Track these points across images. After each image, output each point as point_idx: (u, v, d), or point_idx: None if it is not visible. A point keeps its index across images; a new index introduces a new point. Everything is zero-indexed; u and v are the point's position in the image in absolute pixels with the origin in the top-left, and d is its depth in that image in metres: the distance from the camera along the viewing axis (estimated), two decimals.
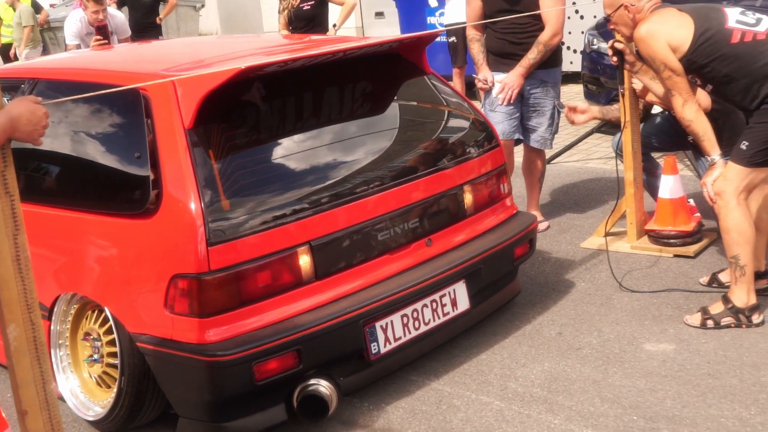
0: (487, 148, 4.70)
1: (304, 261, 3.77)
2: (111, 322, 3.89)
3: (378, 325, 3.95)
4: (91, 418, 4.09)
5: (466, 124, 4.80)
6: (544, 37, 5.84)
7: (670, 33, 4.39)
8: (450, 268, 4.23)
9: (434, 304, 4.19)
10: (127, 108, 3.99)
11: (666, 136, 5.67)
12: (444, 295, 4.24)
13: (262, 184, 3.84)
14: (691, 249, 5.49)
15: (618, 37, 5.03)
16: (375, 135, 4.37)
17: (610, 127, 7.42)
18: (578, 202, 6.86)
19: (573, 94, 10.86)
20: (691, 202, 5.73)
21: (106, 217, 3.89)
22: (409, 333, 4.09)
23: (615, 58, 5.04)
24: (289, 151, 4.01)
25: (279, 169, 3.95)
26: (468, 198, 4.49)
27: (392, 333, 4.01)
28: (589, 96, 8.99)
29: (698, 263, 5.36)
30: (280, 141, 4.05)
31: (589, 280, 5.29)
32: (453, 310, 4.28)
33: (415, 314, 4.11)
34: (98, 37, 8.10)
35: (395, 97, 4.66)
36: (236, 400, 3.67)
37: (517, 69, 5.87)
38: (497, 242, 4.51)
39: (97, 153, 4.11)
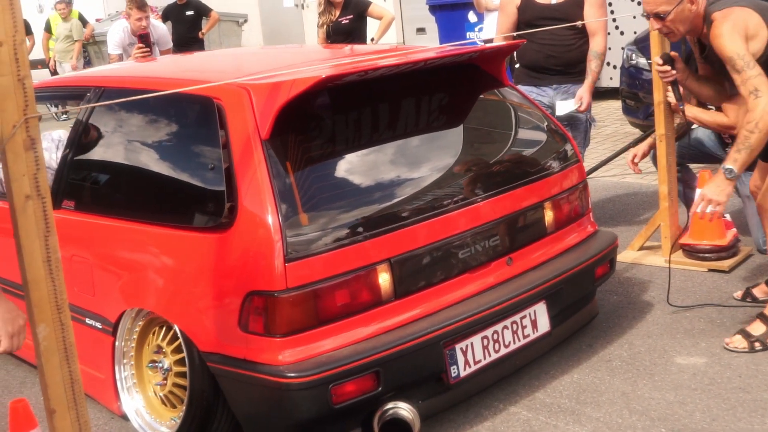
0: (568, 163, 4.50)
1: (384, 279, 3.60)
2: (180, 339, 3.73)
3: (458, 347, 3.76)
4: None
5: (546, 138, 4.61)
6: (599, 47, 5.84)
7: (749, 28, 4.15)
8: (531, 288, 4.04)
9: (515, 326, 4.00)
10: (200, 117, 3.85)
11: (702, 147, 5.63)
12: (524, 316, 4.04)
13: (341, 198, 3.67)
14: (726, 263, 5.44)
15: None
16: (454, 148, 4.20)
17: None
18: (614, 217, 6.79)
19: (612, 110, 10.84)
20: (727, 216, 5.66)
21: (177, 230, 3.74)
22: (489, 356, 3.90)
23: (667, 67, 4.76)
24: (368, 163, 3.84)
25: (357, 182, 3.78)
26: (549, 215, 4.29)
27: (472, 355, 3.82)
28: (628, 111, 8.98)
29: (732, 278, 5.31)
30: (357, 153, 3.88)
31: (622, 293, 5.24)
32: (533, 332, 4.08)
33: (495, 336, 3.92)
34: (140, 45, 8.07)
35: (474, 109, 4.48)
36: (312, 425, 3.49)
37: (587, 82, 5.86)
38: (578, 262, 4.32)
39: (168, 164, 3.97)
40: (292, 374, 3.35)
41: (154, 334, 3.99)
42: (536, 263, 4.21)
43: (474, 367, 3.83)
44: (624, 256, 5.74)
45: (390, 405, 3.60)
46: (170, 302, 3.76)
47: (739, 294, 4.94)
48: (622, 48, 9.59)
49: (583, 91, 5.83)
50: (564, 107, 5.85)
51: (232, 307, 3.48)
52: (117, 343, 4.08)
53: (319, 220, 3.53)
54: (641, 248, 5.87)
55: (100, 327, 4.15)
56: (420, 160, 3.97)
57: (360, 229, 3.58)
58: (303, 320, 3.43)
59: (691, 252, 5.57)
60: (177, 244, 3.74)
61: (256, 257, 3.43)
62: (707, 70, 4.68)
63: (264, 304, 3.40)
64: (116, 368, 4.10)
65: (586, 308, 4.61)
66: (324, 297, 3.46)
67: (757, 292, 4.85)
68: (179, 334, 3.73)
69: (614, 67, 11.05)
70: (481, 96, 4.53)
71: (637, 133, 8.69)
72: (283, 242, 3.38)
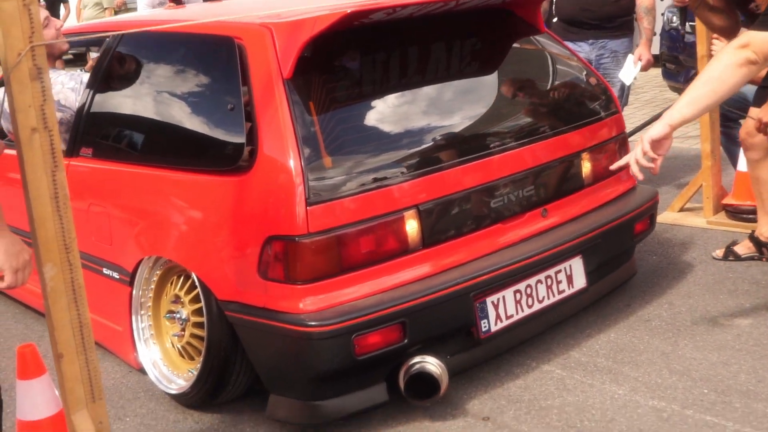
0: (608, 113, 4.28)
1: (411, 227, 3.41)
2: (198, 288, 3.57)
3: (489, 300, 3.57)
4: (173, 391, 3.79)
5: (585, 87, 4.39)
6: (647, 2, 5.77)
7: None
8: (567, 241, 3.84)
9: (549, 281, 3.80)
10: (220, 57, 3.66)
11: (746, 101, 5.30)
12: (560, 270, 3.84)
13: (367, 141, 3.48)
14: None
15: None
16: (487, 94, 3.99)
17: None
18: (652, 180, 6.39)
19: (651, 77, 10.51)
20: None
21: (194, 174, 3.57)
22: (522, 311, 3.70)
23: None
24: (395, 106, 3.64)
25: (385, 125, 3.59)
26: (587, 166, 4.08)
27: (504, 310, 3.63)
28: (668, 76, 8.73)
29: None
30: (385, 95, 3.68)
31: (661, 254, 5.06)
32: (569, 288, 3.87)
33: (528, 290, 3.72)
34: (171, 3, 7.93)
35: (509, 55, 4.27)
36: (333, 377, 3.32)
37: (642, 40, 5.80)
38: (617, 216, 4.10)
39: (185, 105, 3.79)
40: (314, 323, 3.18)
41: (172, 283, 3.83)
42: (573, 216, 4.00)
43: (505, 322, 3.64)
44: (663, 218, 5.52)
45: (417, 359, 3.42)
46: (187, 249, 3.60)
47: None
48: (663, 14, 9.31)
49: (641, 49, 5.71)
50: (628, 73, 5.68)
51: (251, 253, 3.32)
52: (134, 293, 3.93)
53: (343, 164, 3.35)
54: (681, 209, 5.69)
55: (118, 277, 4.01)
56: (451, 105, 3.77)
57: (386, 174, 3.40)
58: (325, 267, 3.25)
59: (735, 213, 5.38)
60: (194, 189, 3.57)
61: (276, 201, 3.25)
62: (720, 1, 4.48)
63: (284, 249, 3.23)
64: (133, 319, 3.95)
65: (624, 266, 4.39)
66: (348, 243, 3.28)
67: None
68: (197, 283, 3.57)
69: (654, 33, 10.73)
70: (517, 41, 4.31)
71: (676, 98, 8.41)
72: (305, 185, 3.20)
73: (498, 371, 3.80)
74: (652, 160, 3.17)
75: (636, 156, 3.18)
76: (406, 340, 3.31)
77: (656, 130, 3.15)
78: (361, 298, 3.28)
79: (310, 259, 3.22)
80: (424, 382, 3.40)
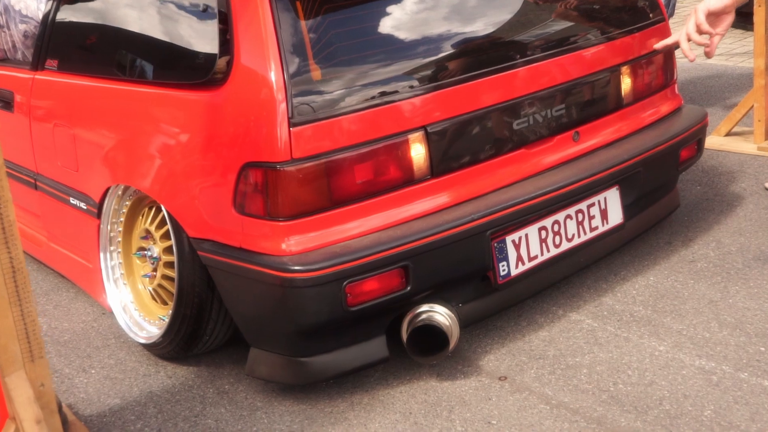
0: (651, 21, 3.68)
1: (417, 152, 2.86)
2: (168, 223, 3.05)
3: (509, 239, 3.04)
4: (142, 340, 3.30)
5: None
6: None
7: None
8: (602, 170, 3.28)
9: (580, 216, 3.25)
10: None
11: None
12: (593, 204, 3.29)
13: (365, 49, 2.91)
14: None
15: None
16: None
17: (737, 22, 6.48)
18: (695, 100, 5.93)
19: None
20: None
21: (161, 89, 3.04)
22: (548, 251, 3.17)
23: None
24: (400, 7, 3.06)
25: (387, 30, 3.00)
26: (626, 82, 3.50)
27: (526, 250, 3.09)
28: None
29: None
30: None
31: (707, 184, 4.48)
32: (603, 224, 3.33)
33: (556, 227, 3.18)
34: None
35: None
36: (322, 330, 2.81)
37: None
38: (660, 140, 3.53)
39: (153, 8, 3.21)
40: (297, 267, 2.66)
41: (143, 216, 3.32)
42: (609, 140, 3.44)
43: (528, 265, 3.11)
44: (709, 142, 4.90)
45: (422, 308, 2.91)
46: (154, 177, 3.07)
47: None
48: None
49: None
50: None
51: (226, 183, 2.79)
52: (102, 227, 3.43)
53: (337, 76, 2.79)
54: (729, 133, 5.12)
55: (85, 208, 3.50)
56: (467, 8, 3.17)
57: (388, 89, 2.84)
58: (312, 200, 2.72)
59: None
60: (161, 106, 3.04)
61: (254, 121, 2.71)
62: None
63: (263, 179, 2.70)
64: (101, 256, 3.45)
65: (666, 198, 3.83)
66: (339, 172, 2.74)
67: None
68: (166, 216, 3.05)
69: None
70: None
71: None
72: (288, 102, 2.66)
73: (518, 321, 3.29)
74: (708, 36, 2.55)
75: (688, 30, 2.55)
76: (408, 288, 2.80)
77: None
78: (355, 238, 2.76)
79: (294, 190, 2.69)
80: (431, 336, 2.90)
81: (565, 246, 3.22)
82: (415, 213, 2.88)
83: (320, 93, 2.74)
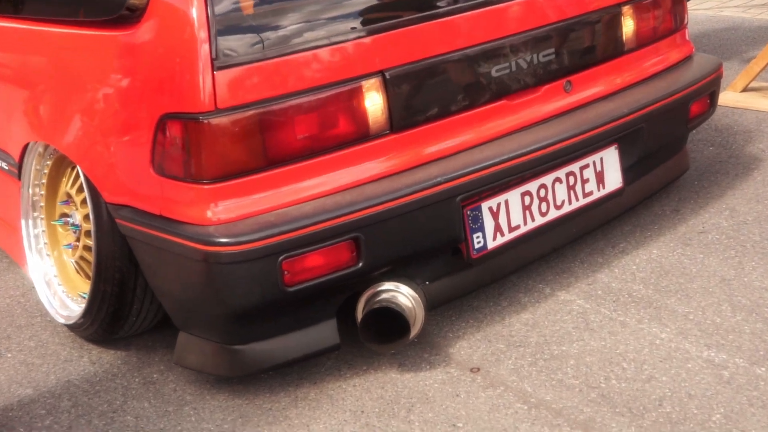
0: None
1: (373, 102, 2.40)
2: (85, 187, 2.61)
3: (485, 206, 2.58)
4: (63, 320, 2.87)
5: None
6: None
7: None
8: (598, 125, 2.82)
9: (572, 179, 2.79)
10: None
11: None
12: (587, 166, 2.83)
13: None
14: None
15: None
16: None
17: None
18: (711, 49, 5.43)
19: None
20: None
21: (68, 27, 2.58)
22: (532, 220, 2.71)
23: None
24: None
25: None
26: (628, 24, 3.02)
27: (506, 219, 2.64)
28: None
29: None
30: None
31: (720, 144, 3.98)
32: (598, 189, 2.86)
33: (542, 192, 2.72)
34: None
35: None
36: (258, 314, 2.36)
37: None
38: (667, 93, 3.06)
39: None
40: (224, 240, 2.21)
41: (66, 178, 2.87)
42: (607, 92, 2.97)
43: (508, 236, 2.65)
44: (724, 99, 4.43)
45: (381, 287, 2.47)
46: (67, 131, 2.61)
47: None
48: None
49: None
50: None
51: (143, 137, 2.34)
52: (23, 190, 2.98)
53: (272, 11, 2.32)
54: (746, 89, 4.61)
55: (7, 168, 3.06)
56: None
57: (338, 26, 2.38)
58: (243, 159, 2.26)
59: None
60: (70, 48, 2.59)
61: (172, 64, 2.25)
62: None
63: (183, 133, 2.24)
64: (23, 223, 3.01)
65: (673, 160, 3.35)
66: (276, 125, 2.28)
67: None
68: (82, 179, 2.61)
69: None
70: None
71: None
72: (212, 41, 2.20)
73: (498, 301, 2.84)
74: None
75: None
76: (360, 265, 2.35)
77: None
78: (295, 205, 2.31)
79: (220, 147, 2.23)
80: (391, 320, 2.45)
81: (554, 214, 2.76)
82: (370, 175, 2.42)
83: (253, 30, 2.28)
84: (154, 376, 2.64)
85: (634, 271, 2.93)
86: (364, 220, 2.31)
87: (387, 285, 2.47)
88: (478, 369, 2.50)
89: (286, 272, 2.26)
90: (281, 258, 2.23)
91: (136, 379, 2.64)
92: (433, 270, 2.60)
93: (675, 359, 2.45)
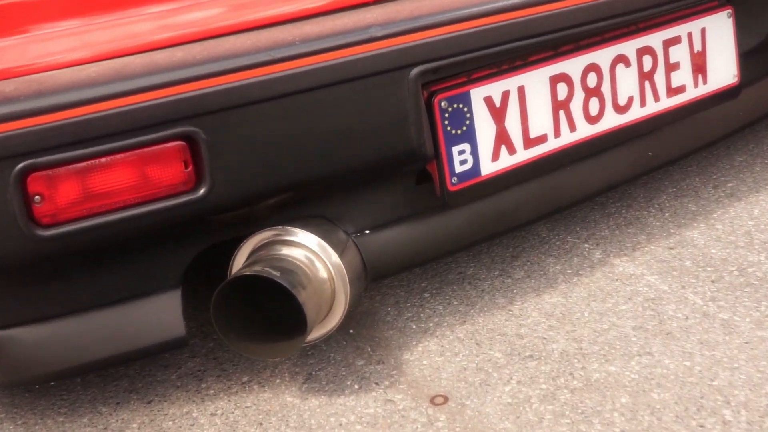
0: None
1: None
2: None
3: (477, 93, 1.39)
4: None
5: None
6: None
7: None
8: None
9: (647, 61, 1.59)
10: None
11: None
12: (676, 39, 1.61)
13: None
14: None
15: None
16: None
17: None
18: None
19: None
20: None
21: None
22: (571, 129, 1.52)
23: None
24: None
25: None
26: None
27: (519, 121, 1.45)
28: None
29: None
30: None
31: None
32: (695, 83, 1.65)
33: (591, 79, 1.52)
34: None
35: None
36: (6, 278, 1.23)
37: None
38: None
39: None
40: None
41: None
42: None
43: (523, 155, 1.47)
44: None
45: (267, 234, 1.31)
46: None
47: None
48: None
49: None
50: None
51: None
52: None
53: None
54: None
55: None
56: None
57: None
58: None
59: None
60: None
61: None
62: None
63: None
64: None
65: None
66: None
67: None
68: None
69: None
70: None
71: None
72: None
73: (492, 284, 1.64)
74: None
75: None
76: (201, 189, 1.19)
77: None
78: (60, 68, 1.15)
79: None
80: (281, 300, 1.29)
81: (611, 122, 1.56)
82: (225, 23, 1.25)
83: None
84: None
85: (748, 228, 1.70)
86: (209, 100, 1.15)
87: (275, 232, 1.31)
88: (445, 399, 1.33)
89: (38, 200, 1.12)
90: (24, 170, 1.09)
91: None
92: (377, 210, 1.42)
93: None
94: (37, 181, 1.10)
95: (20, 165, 1.09)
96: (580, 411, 1.26)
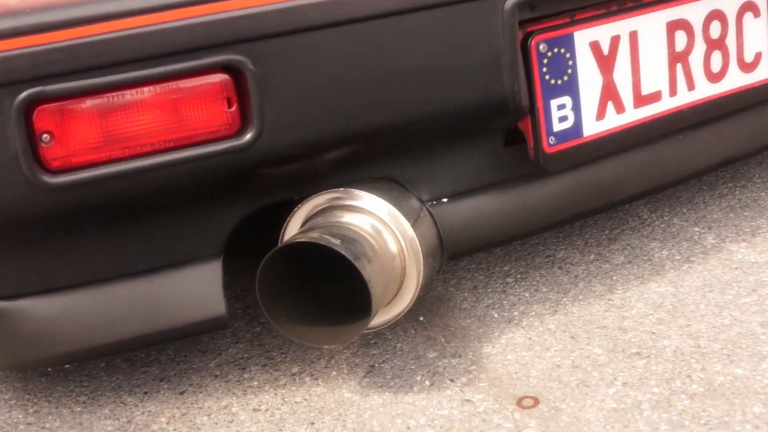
0: None
1: None
2: None
3: (582, 37, 1.15)
4: None
5: None
6: None
7: None
8: None
9: None
10: None
11: None
12: None
13: None
14: None
15: None
16: None
17: None
18: None
19: None
20: None
21: None
22: (689, 87, 1.27)
23: None
24: None
25: None
26: None
27: (630, 74, 1.20)
28: None
29: None
30: None
31: None
32: None
33: (714, 29, 1.27)
34: None
35: None
36: (16, 236, 1.02)
37: None
38: None
39: None
40: None
41: None
42: None
43: (634, 114, 1.23)
44: None
45: (326, 197, 1.09)
46: None
47: None
48: None
49: None
50: None
51: None
52: None
53: None
54: None
55: None
56: None
57: None
58: None
59: None
60: None
61: None
62: None
63: None
64: None
65: None
66: None
67: None
68: None
69: None
70: None
71: None
72: None
73: (589, 269, 1.41)
74: None
75: None
76: (248, 135, 0.97)
77: None
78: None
79: None
80: (341, 276, 1.07)
81: (736, 81, 1.32)
82: None
83: None
84: None
85: None
86: (260, 23, 0.93)
87: (337, 195, 1.09)
88: (535, 402, 1.10)
89: (45, 138, 0.91)
90: (29, 100, 0.89)
91: None
92: (457, 174, 1.19)
93: None
94: (46, 115, 0.90)
95: (24, 93, 0.88)
96: (703, 421, 1.02)
